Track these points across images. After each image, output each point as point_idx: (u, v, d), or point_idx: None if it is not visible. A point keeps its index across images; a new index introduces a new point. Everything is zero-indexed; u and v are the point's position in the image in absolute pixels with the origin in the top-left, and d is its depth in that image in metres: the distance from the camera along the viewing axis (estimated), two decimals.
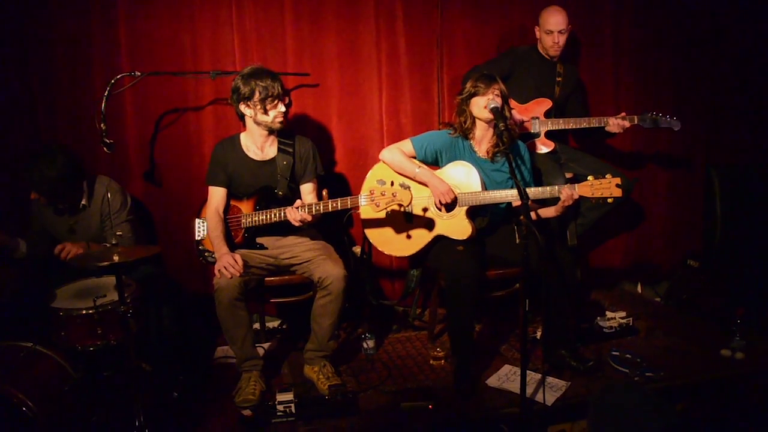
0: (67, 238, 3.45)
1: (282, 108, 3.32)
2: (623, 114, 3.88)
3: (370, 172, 3.61)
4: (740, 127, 4.84)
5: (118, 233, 2.95)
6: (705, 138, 4.78)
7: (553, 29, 3.87)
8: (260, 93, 3.25)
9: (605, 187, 3.18)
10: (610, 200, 3.21)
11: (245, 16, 3.94)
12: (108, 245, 2.78)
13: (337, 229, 3.80)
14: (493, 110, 3.25)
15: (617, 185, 3.16)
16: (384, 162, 3.53)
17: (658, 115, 3.91)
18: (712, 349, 3.58)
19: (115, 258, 2.62)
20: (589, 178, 3.21)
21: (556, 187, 3.26)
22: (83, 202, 3.44)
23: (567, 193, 3.21)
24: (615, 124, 3.86)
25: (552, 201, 3.34)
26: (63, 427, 2.62)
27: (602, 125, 3.89)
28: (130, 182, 3.88)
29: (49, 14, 3.71)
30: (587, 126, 3.92)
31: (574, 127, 3.95)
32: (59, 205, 3.40)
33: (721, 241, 4.54)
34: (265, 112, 3.30)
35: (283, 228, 3.35)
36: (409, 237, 3.51)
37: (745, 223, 4.53)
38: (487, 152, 3.47)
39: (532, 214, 3.35)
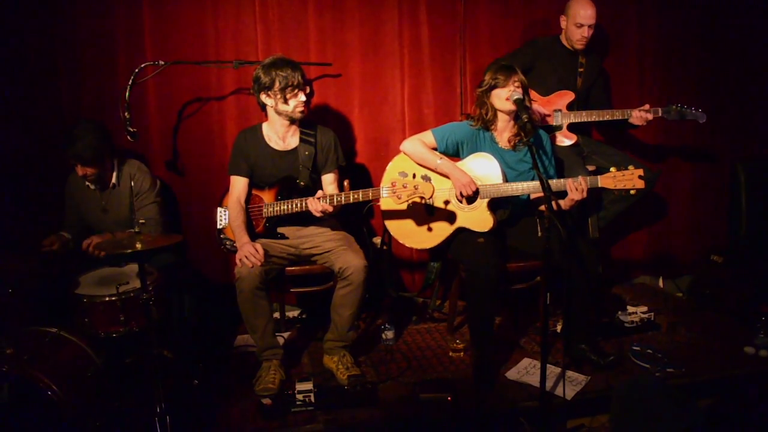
0: (100, 218, 3.53)
1: (302, 97, 3.32)
2: (646, 106, 3.83)
3: (390, 163, 3.60)
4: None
5: (141, 221, 2.96)
6: (731, 131, 4.71)
7: (584, 23, 3.82)
8: (280, 82, 3.25)
9: (628, 178, 3.15)
10: (633, 192, 3.18)
11: (268, 5, 3.95)
12: (134, 231, 2.80)
13: (358, 219, 3.80)
14: (517, 102, 3.23)
15: (640, 177, 3.13)
16: (405, 153, 3.52)
17: (683, 107, 3.86)
18: (736, 346, 3.54)
19: (138, 246, 2.64)
20: (612, 169, 3.18)
21: (579, 178, 3.23)
22: (113, 180, 3.50)
23: (571, 186, 3.19)
24: (638, 116, 3.81)
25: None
26: (86, 412, 2.66)
27: (625, 117, 3.85)
28: (153, 171, 3.89)
29: (75, 5, 3.75)
30: (610, 119, 3.88)
31: (596, 119, 3.91)
32: (98, 178, 3.46)
33: (746, 237, 4.47)
34: (285, 101, 3.30)
35: (304, 218, 3.36)
36: (430, 229, 3.50)
37: None
38: (509, 141, 3.45)
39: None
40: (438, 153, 3.45)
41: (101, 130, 3.40)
